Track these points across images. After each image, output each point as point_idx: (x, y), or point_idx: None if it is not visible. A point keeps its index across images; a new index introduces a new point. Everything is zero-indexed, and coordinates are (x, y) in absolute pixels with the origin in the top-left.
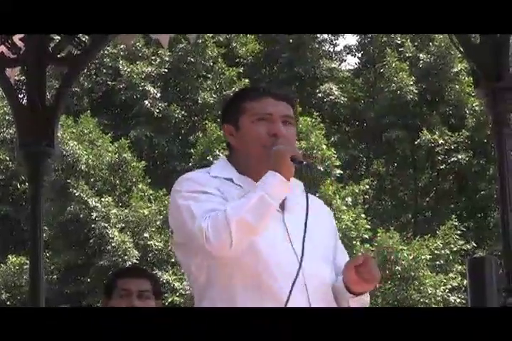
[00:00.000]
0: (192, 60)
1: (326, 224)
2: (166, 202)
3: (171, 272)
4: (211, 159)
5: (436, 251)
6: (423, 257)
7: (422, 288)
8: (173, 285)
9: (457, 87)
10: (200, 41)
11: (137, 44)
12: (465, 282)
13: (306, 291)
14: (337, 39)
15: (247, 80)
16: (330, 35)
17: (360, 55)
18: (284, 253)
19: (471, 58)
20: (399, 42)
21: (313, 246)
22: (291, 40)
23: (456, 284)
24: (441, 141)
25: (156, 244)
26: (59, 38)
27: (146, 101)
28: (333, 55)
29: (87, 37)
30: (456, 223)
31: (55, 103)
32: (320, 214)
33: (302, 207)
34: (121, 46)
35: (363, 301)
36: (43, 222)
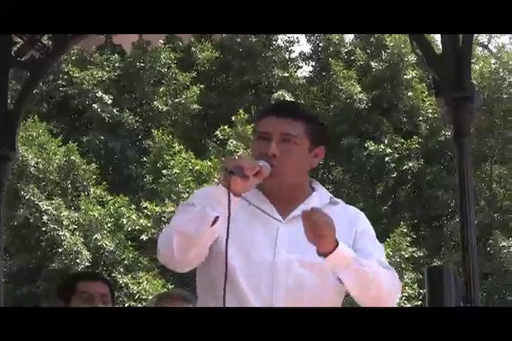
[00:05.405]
0: (143, 65)
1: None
2: (117, 205)
3: (130, 276)
4: (162, 166)
5: (387, 259)
6: None
7: None
8: (132, 288)
9: (410, 93)
10: (150, 48)
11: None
12: (420, 290)
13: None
14: (292, 46)
15: (202, 85)
16: (285, 42)
17: (314, 63)
18: (261, 262)
19: (432, 67)
20: (348, 50)
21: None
22: (240, 50)
23: (412, 292)
24: (389, 150)
25: (108, 244)
26: (21, 42)
27: (96, 106)
28: (289, 62)
29: (49, 41)
30: (406, 230)
31: (17, 107)
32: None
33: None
34: (73, 51)
35: (348, 270)
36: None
